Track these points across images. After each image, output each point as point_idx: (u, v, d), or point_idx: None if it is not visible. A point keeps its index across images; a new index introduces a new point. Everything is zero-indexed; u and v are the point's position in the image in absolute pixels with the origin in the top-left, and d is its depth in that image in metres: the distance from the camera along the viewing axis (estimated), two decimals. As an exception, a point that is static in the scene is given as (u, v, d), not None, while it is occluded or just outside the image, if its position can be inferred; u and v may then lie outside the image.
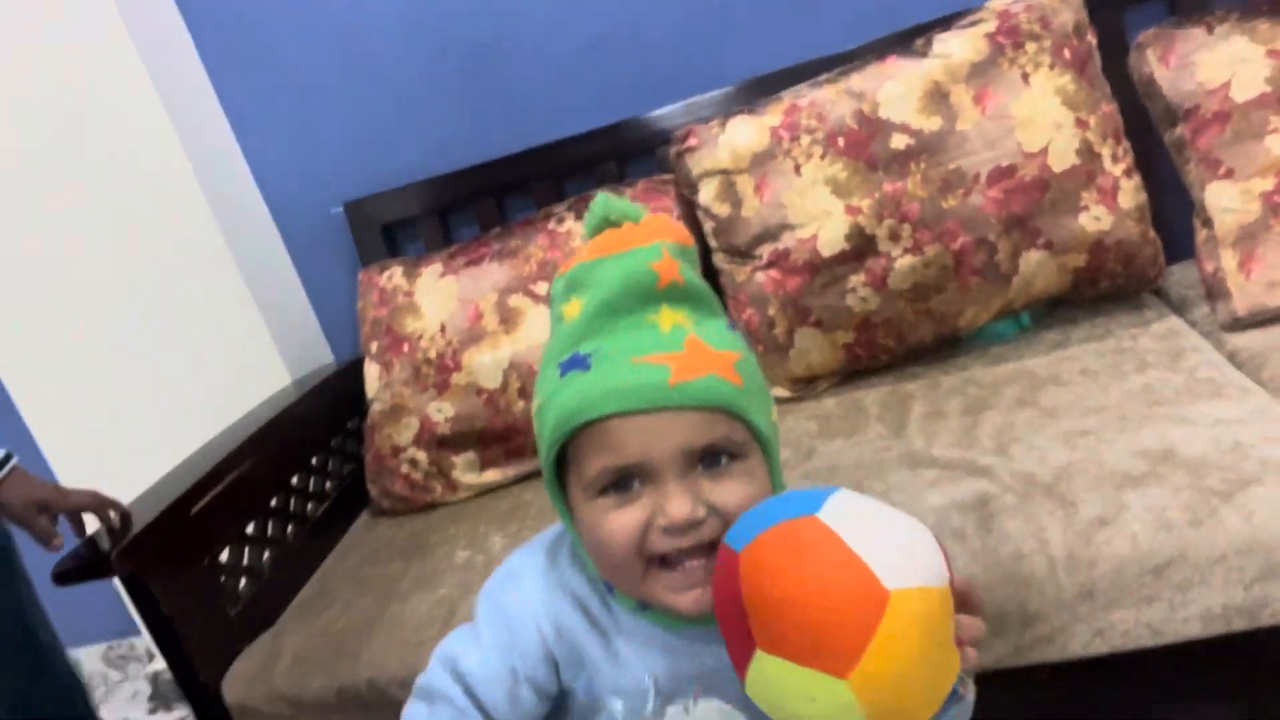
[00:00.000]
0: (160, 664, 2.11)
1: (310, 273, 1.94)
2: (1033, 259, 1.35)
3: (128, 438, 1.85)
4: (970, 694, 0.60)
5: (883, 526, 0.53)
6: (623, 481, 0.61)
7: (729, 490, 0.60)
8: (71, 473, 1.85)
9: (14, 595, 1.25)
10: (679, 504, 0.59)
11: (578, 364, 0.61)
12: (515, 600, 0.69)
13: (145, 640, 2.28)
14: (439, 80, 1.74)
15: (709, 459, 0.60)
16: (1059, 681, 1.00)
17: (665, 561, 0.61)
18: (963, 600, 0.55)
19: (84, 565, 1.14)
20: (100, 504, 1.18)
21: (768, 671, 0.51)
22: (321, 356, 1.95)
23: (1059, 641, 0.97)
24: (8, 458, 1.15)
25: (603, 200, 0.66)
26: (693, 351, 0.60)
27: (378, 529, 1.55)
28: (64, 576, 1.14)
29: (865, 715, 0.49)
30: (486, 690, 0.68)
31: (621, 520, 0.60)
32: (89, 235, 1.75)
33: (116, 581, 1.97)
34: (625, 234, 0.64)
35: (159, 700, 2.15)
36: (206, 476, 1.31)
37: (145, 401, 1.82)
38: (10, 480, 1.13)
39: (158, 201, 1.79)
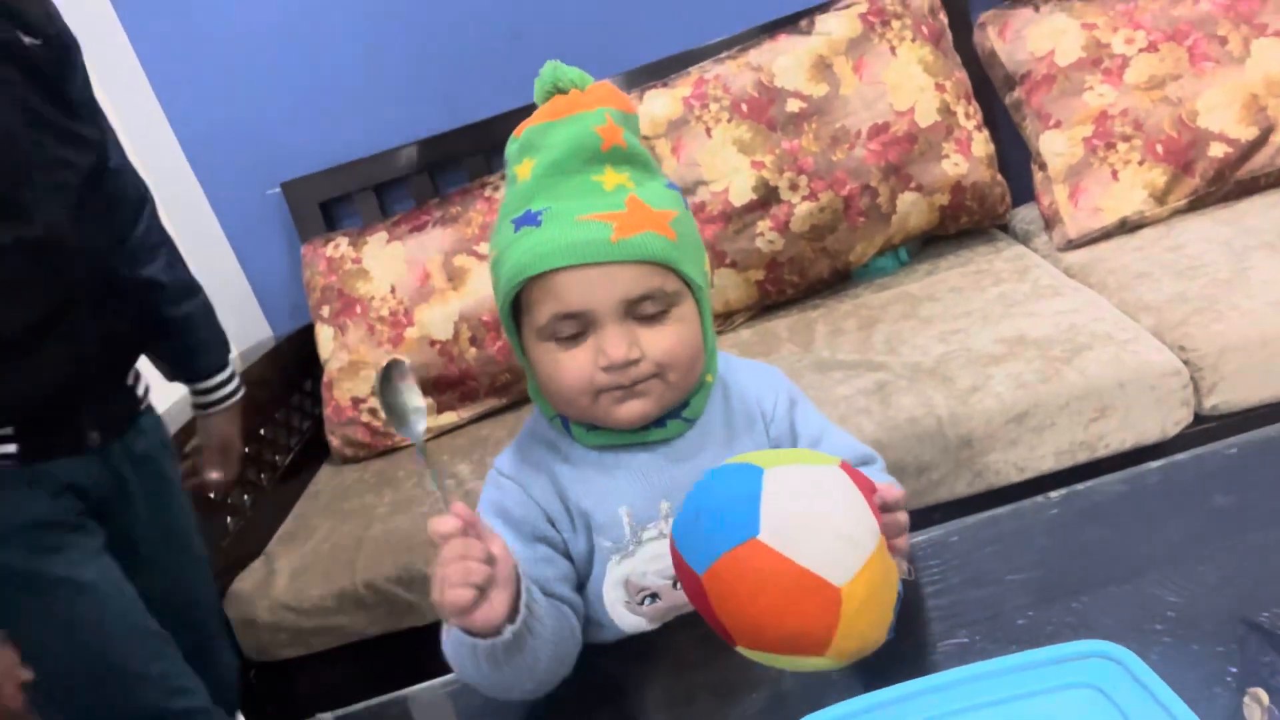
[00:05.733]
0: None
1: (247, 252, 2.03)
2: (907, 199, 1.61)
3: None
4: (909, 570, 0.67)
5: (817, 522, 0.55)
6: (569, 326, 0.67)
7: (661, 335, 0.67)
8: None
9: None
10: (615, 345, 0.66)
11: (529, 220, 0.66)
12: (498, 490, 0.75)
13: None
14: (373, 63, 1.88)
15: (645, 306, 0.67)
16: (949, 521, 1.24)
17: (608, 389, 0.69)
18: (885, 503, 0.60)
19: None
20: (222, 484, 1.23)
21: (751, 653, 0.58)
22: (260, 330, 2.05)
23: (947, 484, 1.22)
24: (235, 392, 1.19)
25: (551, 67, 0.69)
26: (633, 210, 0.66)
27: (343, 473, 1.68)
28: (75, 508, 1.24)
29: (843, 662, 0.56)
30: None
31: (573, 361, 0.67)
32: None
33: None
34: (572, 100, 0.67)
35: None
36: (188, 426, 1.42)
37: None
38: (218, 417, 1.19)
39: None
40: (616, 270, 0.65)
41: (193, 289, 1.14)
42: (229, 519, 1.45)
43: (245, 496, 1.52)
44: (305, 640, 1.34)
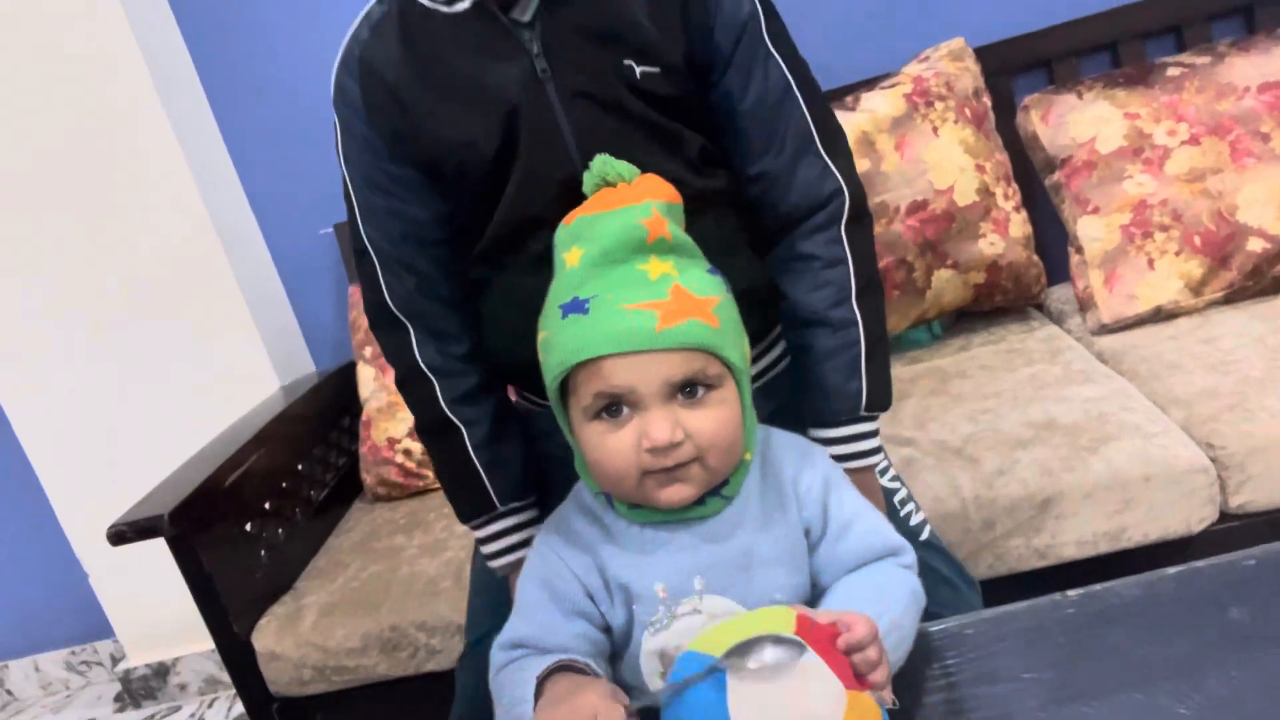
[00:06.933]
0: (130, 663, 2.19)
1: (297, 288, 2.10)
2: (943, 276, 1.63)
3: (127, 441, 1.97)
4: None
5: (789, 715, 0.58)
6: (614, 406, 0.70)
7: (703, 417, 0.70)
8: (67, 474, 1.97)
9: None
10: (660, 428, 0.68)
11: (577, 308, 0.70)
12: (543, 561, 0.78)
13: (110, 644, 2.34)
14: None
15: (688, 389, 0.70)
16: (970, 602, 1.24)
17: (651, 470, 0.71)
18: (849, 645, 0.62)
19: (137, 527, 1.29)
20: None
21: None
22: (304, 365, 2.11)
23: (968, 566, 1.22)
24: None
25: (601, 161, 0.75)
26: (676, 298, 0.69)
27: (374, 512, 1.72)
28: (120, 537, 1.29)
29: None
30: (545, 639, 0.74)
31: (618, 443, 0.70)
32: (99, 253, 1.88)
33: (91, 582, 2.08)
34: (620, 193, 0.73)
35: (128, 699, 2.22)
36: (232, 458, 1.47)
37: (145, 406, 1.94)
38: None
39: (164, 225, 1.93)
40: (661, 356, 0.68)
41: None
42: (262, 551, 1.49)
43: (279, 530, 1.56)
44: (328, 678, 1.37)
